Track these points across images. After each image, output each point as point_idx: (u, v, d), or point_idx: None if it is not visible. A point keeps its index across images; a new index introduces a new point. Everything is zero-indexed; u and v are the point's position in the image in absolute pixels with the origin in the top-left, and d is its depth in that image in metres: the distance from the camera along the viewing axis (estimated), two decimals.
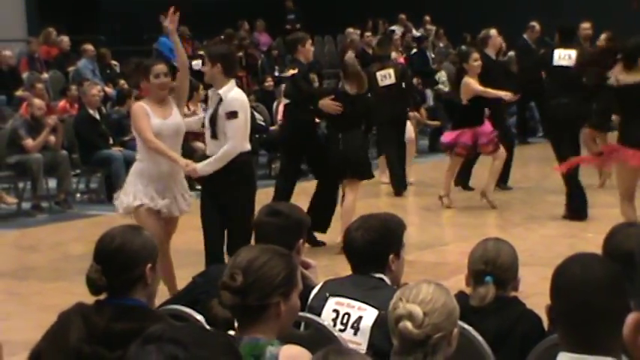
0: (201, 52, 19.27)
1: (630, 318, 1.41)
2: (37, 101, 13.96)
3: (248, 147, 8.13)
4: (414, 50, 23.32)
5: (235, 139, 7.96)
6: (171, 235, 8.13)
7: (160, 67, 7.90)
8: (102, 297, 3.73)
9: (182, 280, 8.15)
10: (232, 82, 8.11)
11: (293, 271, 3.46)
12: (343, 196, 10.43)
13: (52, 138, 13.57)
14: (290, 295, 3.42)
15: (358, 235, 4.41)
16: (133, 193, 7.83)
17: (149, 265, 3.70)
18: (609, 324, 2.79)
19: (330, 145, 10.44)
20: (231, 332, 3.43)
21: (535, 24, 18.26)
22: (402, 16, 25.57)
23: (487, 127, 12.07)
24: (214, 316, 3.29)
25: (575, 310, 2.89)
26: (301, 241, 4.65)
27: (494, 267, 4.31)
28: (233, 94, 8.04)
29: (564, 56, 11.36)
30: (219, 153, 7.98)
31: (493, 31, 12.72)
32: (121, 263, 3.67)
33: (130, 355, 2.26)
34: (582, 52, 11.44)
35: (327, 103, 10.42)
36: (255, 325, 3.34)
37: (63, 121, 14.21)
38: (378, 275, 4.36)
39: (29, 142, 13.32)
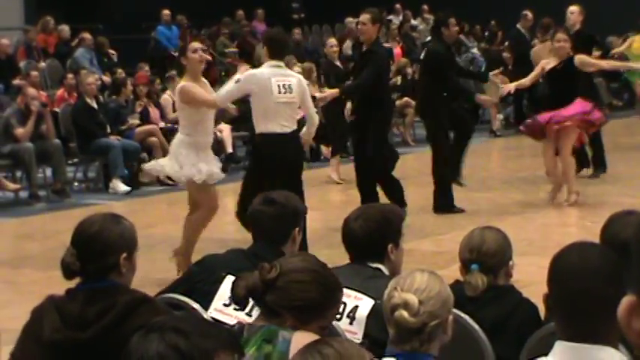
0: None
1: (624, 301, 1.39)
2: (31, 90, 13.90)
3: (269, 128, 8.46)
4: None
5: (254, 117, 8.58)
6: None
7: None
8: (74, 285, 3.73)
9: (172, 271, 8.16)
10: (266, 64, 8.56)
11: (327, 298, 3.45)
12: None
13: (45, 126, 13.50)
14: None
15: (357, 225, 4.40)
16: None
17: (124, 255, 3.69)
18: (607, 313, 2.77)
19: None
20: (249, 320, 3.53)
21: (528, 12, 18.12)
22: (398, 6, 25.49)
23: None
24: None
25: (572, 298, 2.87)
26: (297, 229, 4.64)
27: (479, 254, 4.27)
28: (244, 74, 8.56)
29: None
30: None
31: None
32: (96, 249, 3.67)
33: (132, 344, 2.24)
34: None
35: None
36: (272, 322, 3.35)
37: (46, 105, 13.96)
38: (375, 265, 4.35)
39: (20, 131, 13.27)
